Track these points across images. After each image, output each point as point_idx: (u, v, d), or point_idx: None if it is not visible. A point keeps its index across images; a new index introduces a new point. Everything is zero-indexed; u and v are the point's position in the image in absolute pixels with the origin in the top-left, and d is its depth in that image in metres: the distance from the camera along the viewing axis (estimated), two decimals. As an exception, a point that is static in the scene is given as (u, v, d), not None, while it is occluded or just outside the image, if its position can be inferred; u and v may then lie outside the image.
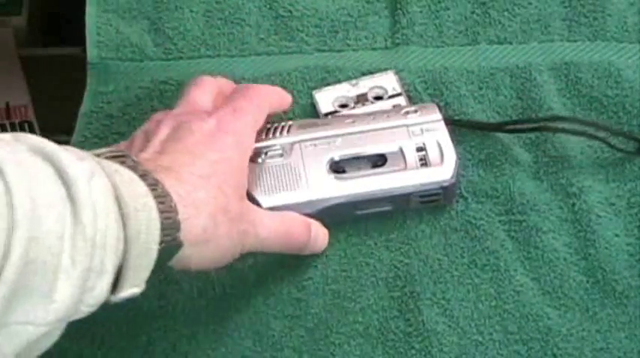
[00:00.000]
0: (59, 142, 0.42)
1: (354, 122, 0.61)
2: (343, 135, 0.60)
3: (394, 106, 0.63)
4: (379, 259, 0.59)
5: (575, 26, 0.68)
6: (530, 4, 0.69)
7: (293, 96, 0.64)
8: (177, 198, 0.45)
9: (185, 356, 0.56)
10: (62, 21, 1.03)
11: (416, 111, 0.61)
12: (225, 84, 0.60)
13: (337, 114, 0.64)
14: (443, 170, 0.58)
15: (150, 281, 0.58)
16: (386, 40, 0.68)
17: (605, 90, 0.64)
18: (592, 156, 0.62)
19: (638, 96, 0.64)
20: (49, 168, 0.40)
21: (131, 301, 0.57)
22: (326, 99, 0.65)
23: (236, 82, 0.63)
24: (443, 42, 0.68)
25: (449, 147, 0.59)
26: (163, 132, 0.51)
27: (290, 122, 0.61)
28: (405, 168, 0.58)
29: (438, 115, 0.61)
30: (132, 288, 0.43)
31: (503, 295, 0.57)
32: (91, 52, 0.69)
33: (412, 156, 0.59)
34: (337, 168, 0.59)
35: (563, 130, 0.61)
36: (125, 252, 0.41)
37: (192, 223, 0.46)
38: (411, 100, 0.64)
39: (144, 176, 0.44)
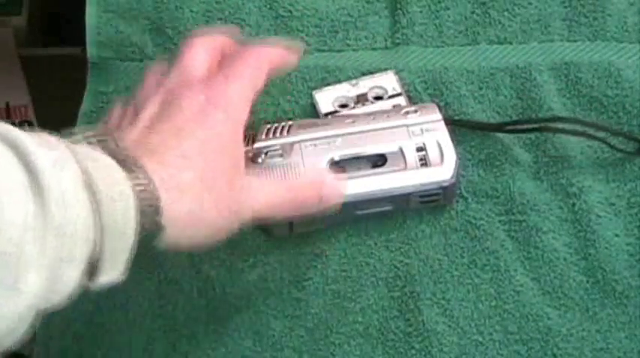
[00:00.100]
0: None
1: (354, 122, 0.61)
2: (343, 135, 0.60)
3: (394, 106, 0.63)
4: (379, 259, 0.59)
5: (575, 26, 0.68)
6: (530, 4, 0.69)
7: (293, 96, 0.64)
8: (160, 182, 0.44)
9: (185, 356, 0.56)
10: (62, 21, 1.03)
11: (416, 111, 0.61)
12: (226, 43, 0.57)
13: (337, 114, 0.64)
14: (443, 170, 0.58)
15: (149, 280, 0.58)
16: (386, 40, 0.68)
17: (605, 90, 0.64)
18: (592, 157, 0.62)
19: (638, 96, 0.64)
20: (10, 154, 0.39)
21: (131, 301, 0.58)
22: (326, 99, 0.65)
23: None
24: (443, 42, 0.68)
25: (449, 147, 0.59)
26: (152, 108, 0.50)
27: (290, 122, 0.61)
28: (405, 168, 0.58)
29: (438, 115, 0.61)
30: (111, 274, 0.42)
31: (503, 295, 0.57)
32: (91, 52, 0.69)
33: (412, 156, 0.59)
34: (337, 168, 0.59)
35: (563, 131, 0.61)
36: (100, 239, 0.41)
37: (176, 207, 0.45)
38: (411, 100, 0.64)
39: (124, 161, 0.43)
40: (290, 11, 0.70)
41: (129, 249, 0.42)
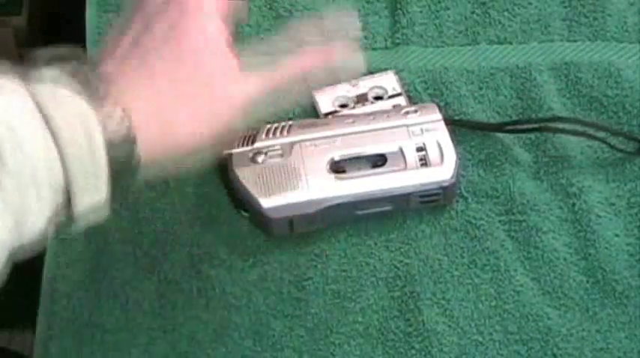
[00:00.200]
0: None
1: (354, 122, 0.61)
2: (343, 135, 0.60)
3: (394, 106, 0.63)
4: (379, 259, 0.59)
5: (575, 26, 0.68)
6: (530, 4, 0.69)
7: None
8: (129, 108, 0.44)
9: (185, 356, 0.56)
10: (62, 21, 1.03)
11: (416, 111, 0.61)
12: None
13: (337, 114, 0.64)
14: (443, 170, 0.58)
15: (149, 280, 0.58)
16: (386, 40, 0.68)
17: (605, 90, 0.64)
18: (592, 157, 0.62)
19: (638, 96, 0.64)
20: None
21: (131, 301, 0.58)
22: (326, 99, 0.65)
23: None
24: (443, 42, 0.68)
25: (449, 147, 0.59)
26: (132, 32, 0.50)
27: (290, 122, 0.61)
28: (405, 168, 0.58)
29: (438, 115, 0.61)
30: (94, 197, 0.43)
31: (503, 295, 0.57)
32: (91, 52, 0.69)
33: (412, 156, 0.59)
34: (337, 168, 0.59)
35: (563, 131, 0.61)
36: (65, 169, 0.41)
37: (148, 130, 0.45)
38: (411, 100, 0.64)
39: (93, 91, 0.43)
40: (290, 11, 0.70)
41: (103, 169, 0.42)
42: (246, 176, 0.58)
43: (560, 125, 0.61)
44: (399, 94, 0.64)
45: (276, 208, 0.57)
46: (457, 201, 0.60)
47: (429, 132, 0.60)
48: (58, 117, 0.41)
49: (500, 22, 0.68)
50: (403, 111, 0.61)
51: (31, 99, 0.41)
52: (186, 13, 0.50)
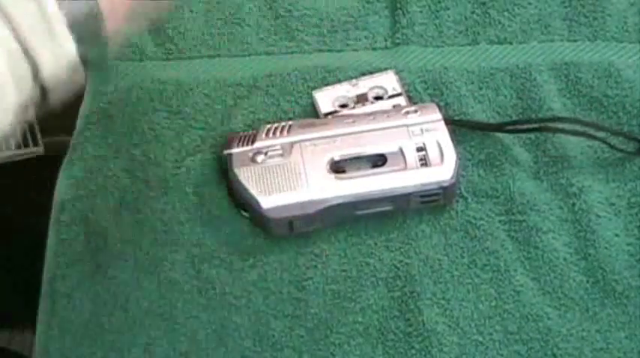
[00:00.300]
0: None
1: (354, 122, 0.61)
2: (343, 135, 0.60)
3: (394, 106, 0.63)
4: (379, 259, 0.59)
5: (575, 26, 0.68)
6: (530, 4, 0.69)
7: (293, 96, 0.64)
8: None
9: (185, 356, 0.56)
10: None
11: (416, 111, 0.61)
12: None
13: (337, 114, 0.64)
14: (443, 170, 0.58)
15: (149, 280, 0.58)
16: (386, 40, 0.68)
17: (605, 90, 0.64)
18: (592, 156, 0.62)
19: (638, 96, 0.64)
20: None
21: (131, 301, 0.58)
22: (326, 99, 0.65)
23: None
24: (443, 42, 0.68)
25: (449, 147, 0.59)
26: None
27: (290, 122, 0.61)
28: (405, 168, 0.58)
29: (438, 115, 0.61)
30: (53, 54, 0.43)
31: (503, 295, 0.57)
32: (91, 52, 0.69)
33: (412, 156, 0.59)
34: (337, 168, 0.59)
35: (563, 131, 0.61)
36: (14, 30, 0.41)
37: None
38: (411, 100, 0.64)
39: None
40: (290, 11, 0.70)
41: (57, 20, 0.42)
42: (246, 176, 0.58)
43: (560, 125, 0.61)
44: (399, 94, 0.65)
45: (276, 208, 0.57)
46: (457, 201, 0.60)
47: (429, 132, 0.60)
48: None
49: (500, 22, 0.68)
50: (403, 111, 0.61)
51: None
52: None
